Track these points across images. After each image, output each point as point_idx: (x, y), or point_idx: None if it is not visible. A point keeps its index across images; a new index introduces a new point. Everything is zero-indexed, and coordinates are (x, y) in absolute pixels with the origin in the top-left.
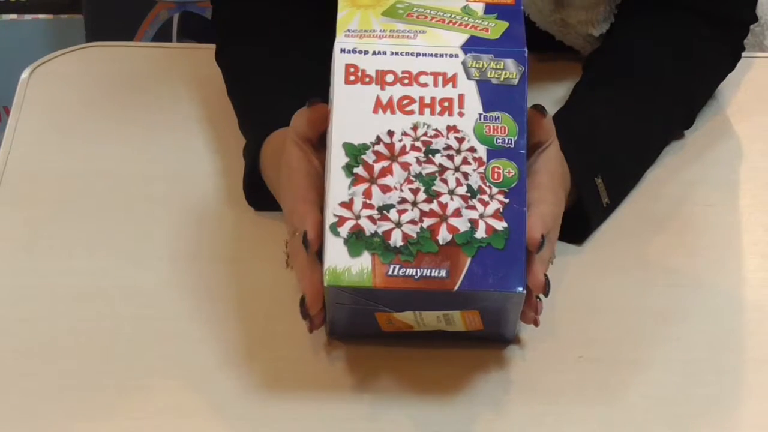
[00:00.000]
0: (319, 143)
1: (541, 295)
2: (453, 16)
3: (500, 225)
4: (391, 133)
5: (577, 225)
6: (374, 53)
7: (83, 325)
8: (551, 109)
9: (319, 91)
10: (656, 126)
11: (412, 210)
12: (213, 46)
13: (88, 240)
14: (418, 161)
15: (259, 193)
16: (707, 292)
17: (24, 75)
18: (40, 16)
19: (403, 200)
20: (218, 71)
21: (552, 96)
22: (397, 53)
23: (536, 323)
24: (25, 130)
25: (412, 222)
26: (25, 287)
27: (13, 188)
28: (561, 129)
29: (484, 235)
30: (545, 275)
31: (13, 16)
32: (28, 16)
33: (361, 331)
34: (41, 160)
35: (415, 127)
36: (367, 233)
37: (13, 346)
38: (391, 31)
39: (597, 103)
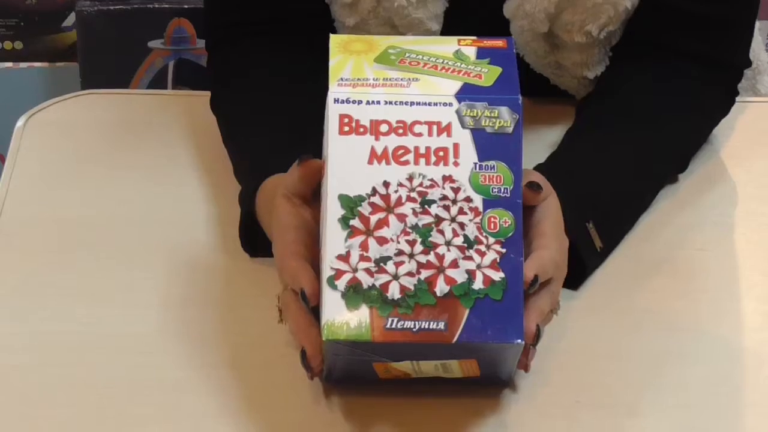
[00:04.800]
0: (311, 197)
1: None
2: (446, 61)
3: (497, 275)
4: (386, 184)
5: (573, 270)
6: (368, 103)
7: (77, 372)
8: (545, 154)
9: (314, 137)
10: (650, 170)
11: (409, 262)
12: (208, 93)
13: (84, 287)
14: (414, 212)
15: (255, 240)
16: (703, 337)
17: (19, 123)
18: (36, 64)
19: (400, 252)
20: (213, 118)
21: (547, 140)
22: (391, 102)
23: (527, 369)
24: (21, 177)
25: (410, 274)
26: (19, 334)
27: (8, 235)
28: (551, 174)
29: (482, 286)
30: (537, 325)
31: (9, 64)
32: (23, 65)
33: (358, 378)
34: (37, 208)
35: (410, 178)
36: (365, 286)
37: (7, 393)
38: (384, 79)
39: (587, 147)
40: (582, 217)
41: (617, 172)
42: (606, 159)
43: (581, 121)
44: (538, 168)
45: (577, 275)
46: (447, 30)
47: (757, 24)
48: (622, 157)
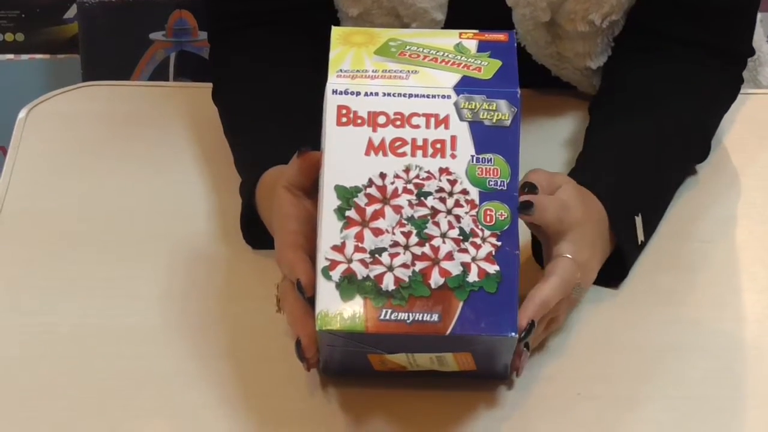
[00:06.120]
0: (312, 189)
1: (528, 343)
2: (446, 54)
3: (492, 268)
4: (383, 176)
5: (614, 267)
6: (366, 94)
7: (78, 363)
8: (552, 147)
9: (315, 128)
10: (678, 160)
11: (404, 253)
12: (209, 85)
13: (85, 278)
14: (411, 204)
15: (256, 231)
16: (705, 328)
17: (21, 114)
18: (37, 56)
19: (395, 243)
20: (215, 110)
21: (548, 132)
22: (389, 94)
23: (518, 373)
24: (23, 169)
25: (404, 266)
26: (20, 325)
27: (10, 227)
28: (592, 170)
29: (476, 279)
30: (532, 320)
31: (10, 56)
32: (25, 56)
33: (354, 370)
34: (38, 199)
35: (407, 170)
36: (359, 277)
37: (8, 384)
38: (383, 71)
39: (616, 143)
40: (630, 211)
41: (652, 165)
42: (640, 153)
43: (602, 116)
44: (572, 174)
45: (618, 271)
46: (451, 19)
47: (759, 16)
48: (653, 150)
